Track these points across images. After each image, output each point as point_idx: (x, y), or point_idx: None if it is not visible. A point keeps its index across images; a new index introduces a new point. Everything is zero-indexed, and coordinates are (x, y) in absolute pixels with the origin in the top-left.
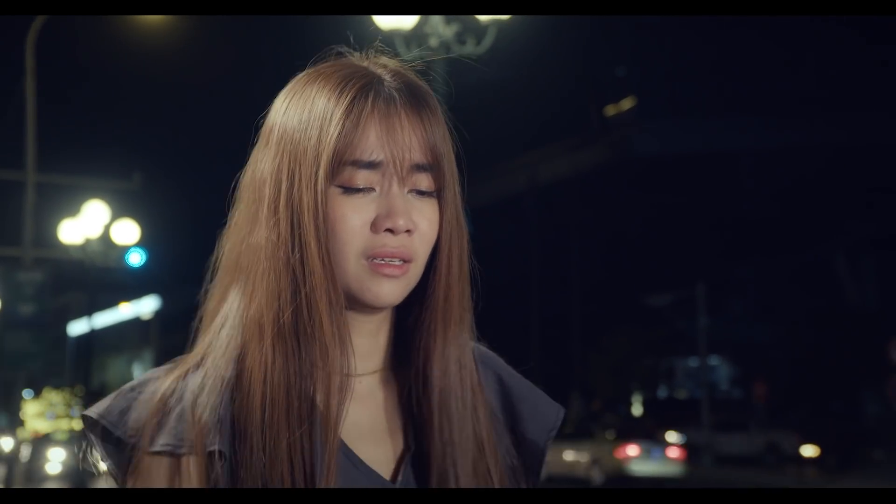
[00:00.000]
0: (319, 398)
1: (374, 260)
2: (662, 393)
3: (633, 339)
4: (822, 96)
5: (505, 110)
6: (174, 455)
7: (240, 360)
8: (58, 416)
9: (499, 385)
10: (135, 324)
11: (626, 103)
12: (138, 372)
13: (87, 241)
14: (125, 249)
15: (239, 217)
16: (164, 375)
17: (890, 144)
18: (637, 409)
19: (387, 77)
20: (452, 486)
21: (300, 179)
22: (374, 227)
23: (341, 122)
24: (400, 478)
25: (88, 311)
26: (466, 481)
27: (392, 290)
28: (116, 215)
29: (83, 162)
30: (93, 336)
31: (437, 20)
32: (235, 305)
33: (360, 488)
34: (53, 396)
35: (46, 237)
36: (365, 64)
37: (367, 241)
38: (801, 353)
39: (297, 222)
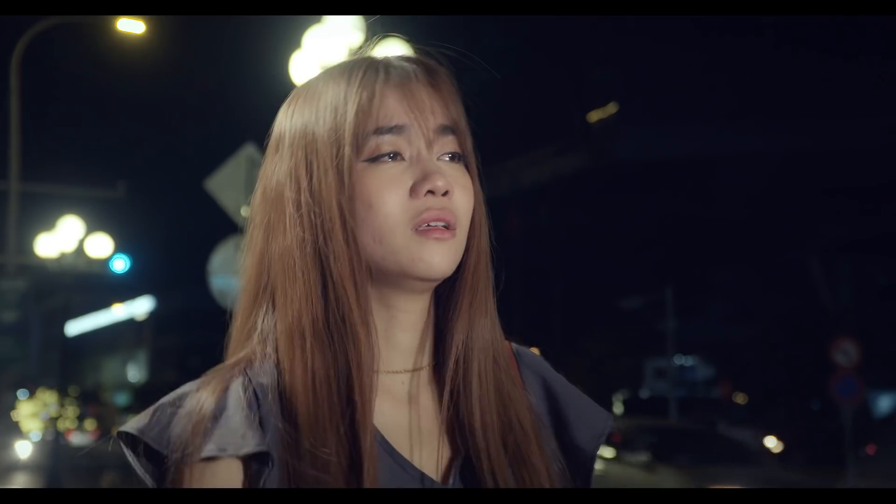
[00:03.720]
0: (353, 398)
1: (420, 227)
2: (645, 393)
3: (610, 341)
4: (800, 103)
5: (489, 116)
6: (219, 459)
7: (279, 367)
8: (52, 416)
9: (544, 389)
10: (129, 325)
11: (609, 109)
12: (133, 372)
13: (63, 255)
14: (100, 261)
15: (254, 233)
16: (203, 387)
17: (865, 150)
18: (618, 409)
19: (393, 58)
20: (502, 485)
21: (319, 165)
22: (414, 193)
23: (356, 96)
24: (451, 481)
25: (63, 316)
26: (515, 481)
27: (443, 256)
28: (94, 228)
29: (68, 171)
30: (68, 340)
31: None
32: (268, 315)
33: (410, 488)
34: (47, 397)
35: (31, 245)
36: (365, 56)
37: (410, 209)
38: (778, 354)
39: (323, 209)
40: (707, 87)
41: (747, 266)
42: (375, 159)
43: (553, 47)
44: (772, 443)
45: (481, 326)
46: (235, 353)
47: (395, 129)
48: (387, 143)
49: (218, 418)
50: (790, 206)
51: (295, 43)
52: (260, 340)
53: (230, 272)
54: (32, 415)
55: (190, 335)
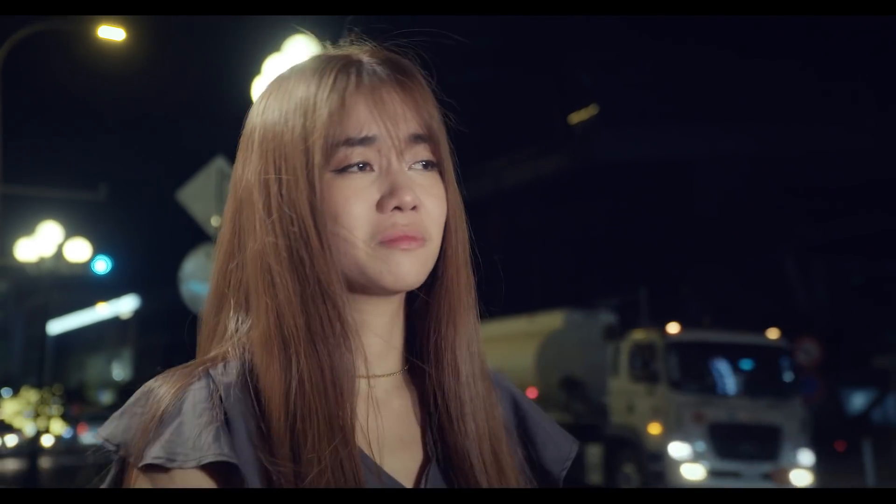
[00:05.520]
0: (338, 404)
1: (386, 239)
2: None
3: None
4: (776, 106)
5: (473, 117)
6: (165, 469)
7: (251, 373)
8: (37, 415)
9: (513, 406)
10: (114, 323)
11: (589, 111)
12: (118, 371)
13: (42, 260)
14: (80, 265)
15: (224, 235)
16: (164, 384)
17: (839, 152)
18: None
19: (365, 57)
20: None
21: (289, 172)
22: (381, 207)
23: (326, 103)
24: (422, 487)
25: (44, 315)
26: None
27: (411, 266)
28: (76, 230)
29: (50, 174)
30: (51, 338)
31: None
32: (240, 318)
33: (380, 488)
34: (31, 395)
35: (12, 246)
36: (338, 52)
37: (375, 223)
38: None
39: (295, 218)
40: (685, 90)
41: (722, 266)
42: (343, 170)
43: (535, 49)
44: None
45: (465, 333)
46: (204, 354)
47: (365, 140)
48: (356, 154)
49: (170, 423)
50: (766, 208)
51: (258, 66)
52: (232, 343)
53: (201, 279)
54: (16, 413)
55: (175, 333)
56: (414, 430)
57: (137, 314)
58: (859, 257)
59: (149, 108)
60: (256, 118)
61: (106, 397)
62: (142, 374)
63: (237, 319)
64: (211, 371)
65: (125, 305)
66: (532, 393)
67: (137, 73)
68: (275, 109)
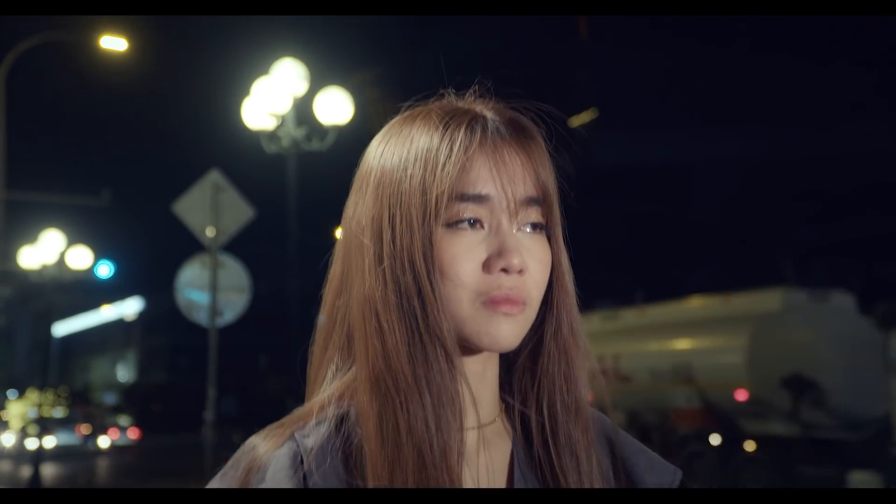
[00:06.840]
0: (444, 455)
1: (489, 301)
2: None
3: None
4: (774, 109)
5: None
6: None
7: (349, 418)
8: (41, 416)
9: (609, 449)
10: (118, 325)
11: (589, 114)
12: (122, 372)
13: (44, 267)
14: (82, 271)
15: (335, 272)
16: (260, 444)
17: (838, 155)
18: None
19: (489, 114)
20: None
21: (404, 221)
22: (487, 267)
23: (447, 157)
24: None
25: (48, 318)
26: None
27: (511, 330)
28: (79, 236)
29: (53, 180)
30: (56, 341)
31: (290, 124)
32: (343, 360)
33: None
34: (36, 397)
35: (16, 251)
36: (464, 105)
37: (480, 283)
38: None
39: (407, 267)
40: (683, 94)
41: (720, 269)
42: (453, 224)
43: (532, 52)
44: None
45: (572, 391)
46: (312, 395)
47: (480, 198)
48: (469, 210)
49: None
50: (764, 210)
51: (248, 87)
52: (330, 391)
53: (197, 287)
54: (21, 414)
55: (179, 335)
56: (501, 482)
57: (142, 316)
58: (857, 260)
59: (149, 115)
60: (374, 161)
61: (111, 399)
62: (146, 376)
63: (338, 363)
64: (297, 434)
65: (130, 307)
66: (742, 395)
67: (138, 82)
68: (394, 155)
